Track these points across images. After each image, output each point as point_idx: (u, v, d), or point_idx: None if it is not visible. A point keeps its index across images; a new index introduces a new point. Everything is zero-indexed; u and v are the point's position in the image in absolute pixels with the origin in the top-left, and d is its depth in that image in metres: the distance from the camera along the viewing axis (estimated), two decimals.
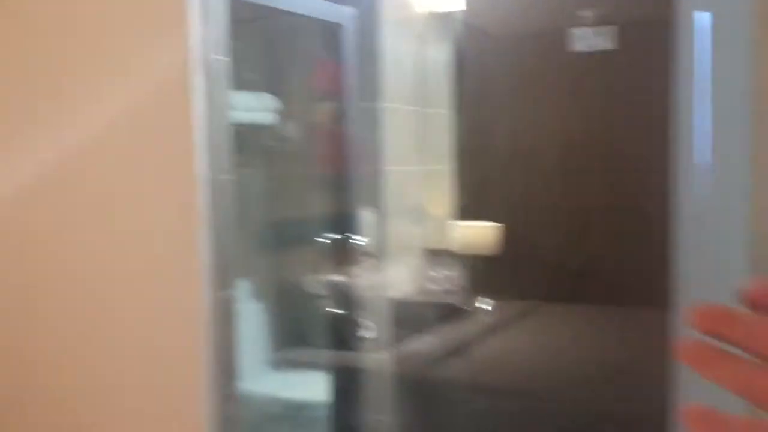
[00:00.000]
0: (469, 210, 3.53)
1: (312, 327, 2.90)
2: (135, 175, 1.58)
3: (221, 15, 1.60)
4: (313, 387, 2.74)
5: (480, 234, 3.45)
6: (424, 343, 3.07)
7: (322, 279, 2.91)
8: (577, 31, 1.83)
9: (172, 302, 1.58)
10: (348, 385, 2.72)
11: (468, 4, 2.25)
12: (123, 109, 1.54)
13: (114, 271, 1.60)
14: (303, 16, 2.09)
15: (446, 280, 3.35)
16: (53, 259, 1.66)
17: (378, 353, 2.95)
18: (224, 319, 1.63)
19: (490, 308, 2.85)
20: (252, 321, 2.74)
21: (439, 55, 3.32)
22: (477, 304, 2.79)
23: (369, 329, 2.90)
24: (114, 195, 1.60)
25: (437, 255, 3.48)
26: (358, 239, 2.65)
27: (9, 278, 1.73)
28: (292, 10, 1.98)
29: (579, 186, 2.80)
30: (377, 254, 3.01)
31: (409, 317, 3.10)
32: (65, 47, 1.60)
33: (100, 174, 1.61)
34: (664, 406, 1.52)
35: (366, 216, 2.87)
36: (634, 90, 1.98)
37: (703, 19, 1.34)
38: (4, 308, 1.72)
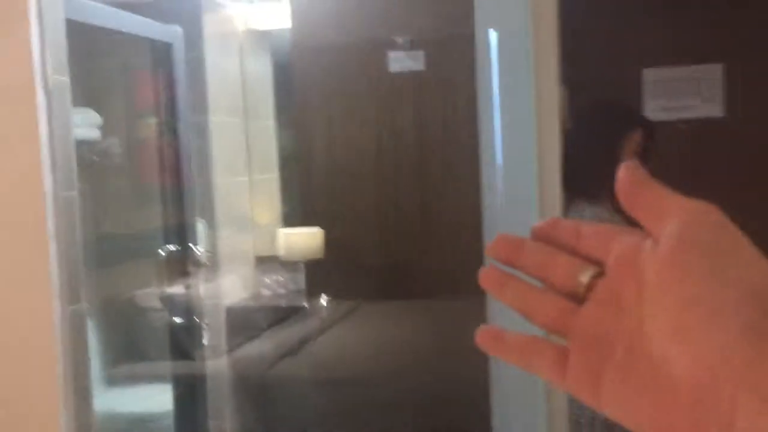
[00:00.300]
0: (294, 217, 3.69)
1: (148, 340, 2.92)
2: None
3: (60, 35, 1.65)
4: (153, 399, 2.76)
5: (305, 239, 3.63)
6: (260, 345, 3.19)
7: (157, 291, 2.94)
8: (393, 54, 2.08)
9: (24, 318, 1.60)
10: (189, 393, 2.78)
11: (294, 22, 2.41)
12: None
13: None
14: (132, 35, 2.15)
15: (277, 284, 3.50)
16: None
17: (216, 360, 3.03)
18: (76, 332, 1.67)
19: (325, 303, 3.02)
20: None
21: (263, 70, 3.46)
22: (320, 301, 2.94)
23: (206, 337, 2.98)
24: None
25: (267, 261, 3.61)
26: (192, 250, 2.72)
27: None
28: (122, 29, 2.03)
29: (393, 192, 3.05)
30: (210, 263, 3.09)
31: (244, 322, 3.20)
32: None
33: None
34: (480, 381, 1.78)
35: (198, 226, 2.94)
36: (440, 104, 2.27)
37: (493, 37, 1.62)
38: None
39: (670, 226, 0.33)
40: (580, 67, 2.72)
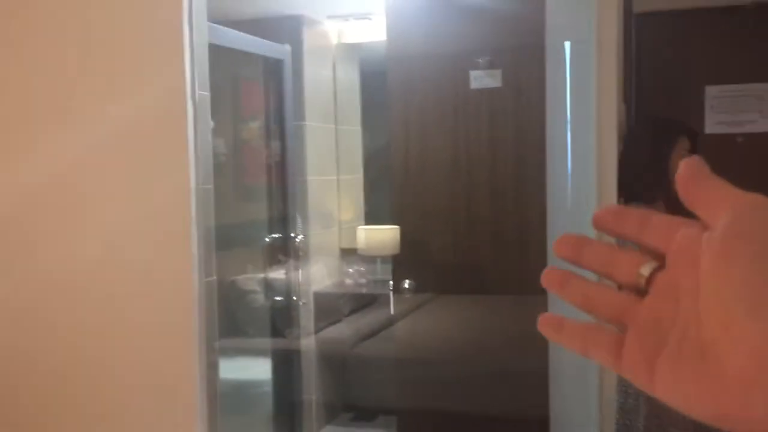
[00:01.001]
0: (375, 215, 4.02)
1: (252, 318, 3.31)
2: (137, 181, 1.96)
3: (204, 57, 2.03)
4: (250, 370, 3.14)
5: (383, 236, 3.95)
6: (343, 328, 3.54)
7: (256, 276, 3.32)
8: (474, 73, 2.38)
9: (170, 286, 1.97)
10: (284, 366, 3.14)
11: (389, 36, 2.74)
12: (132, 134, 1.93)
13: (124, 262, 1.97)
14: (251, 53, 2.52)
15: (358, 274, 3.84)
16: (62, 254, 2.01)
17: (306, 338, 3.40)
18: (209, 299, 2.04)
19: (407, 286, 3.29)
20: None
21: (352, 80, 3.82)
22: (404, 284, 3.23)
23: (297, 318, 3.35)
24: (117, 198, 1.98)
25: (349, 254, 3.96)
26: (292, 239, 3.09)
27: (16, 275, 2.06)
28: (247, 49, 2.40)
29: (467, 195, 3.33)
30: (302, 253, 3.46)
31: (329, 306, 3.56)
32: (77, 72, 1.97)
33: (104, 181, 1.98)
34: (540, 368, 2.03)
35: (294, 220, 3.32)
36: (513, 116, 2.55)
37: (567, 47, 1.87)
38: (14, 297, 2.05)
39: (724, 216, 0.34)
40: (648, 84, 2.97)
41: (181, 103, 1.93)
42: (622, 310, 0.39)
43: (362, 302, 3.70)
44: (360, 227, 3.92)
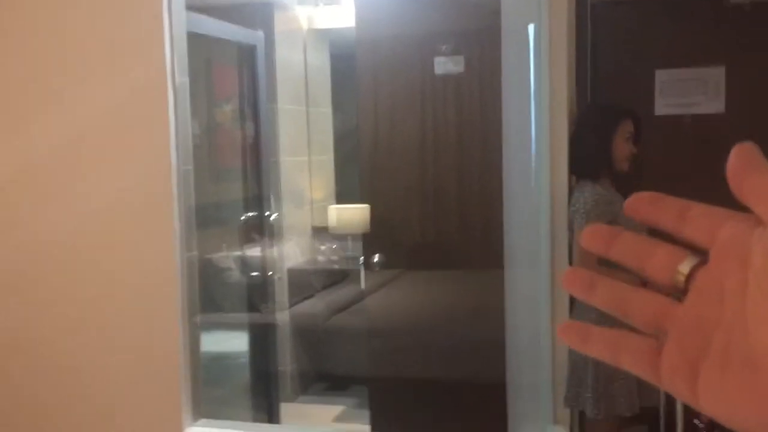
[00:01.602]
0: (345, 194, 4.15)
1: (227, 293, 3.44)
2: (122, 162, 2.08)
3: (183, 45, 2.14)
4: (227, 342, 3.28)
5: (353, 214, 4.09)
6: (315, 302, 3.69)
7: (234, 253, 3.45)
8: (437, 59, 2.53)
9: (154, 260, 2.10)
10: (259, 339, 3.29)
11: (357, 22, 2.86)
12: (117, 119, 2.04)
13: (109, 238, 2.10)
14: (225, 39, 2.64)
15: (330, 251, 3.99)
16: (52, 230, 2.13)
17: (280, 313, 3.54)
18: (191, 273, 2.18)
19: (377, 259, 3.43)
20: None
21: (322, 64, 3.94)
22: (373, 258, 3.37)
23: (272, 293, 3.49)
24: (102, 177, 2.10)
25: (321, 232, 4.10)
26: (267, 217, 3.22)
27: (4, 250, 2.17)
28: (222, 36, 2.51)
29: (434, 175, 3.47)
30: (276, 231, 3.60)
31: (302, 282, 3.70)
32: (64, 59, 2.07)
33: (90, 160, 2.10)
34: (497, 337, 2.18)
35: (268, 199, 3.45)
36: (476, 102, 2.71)
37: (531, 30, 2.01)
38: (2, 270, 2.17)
39: None
40: (604, 68, 3.14)
41: (162, 89, 2.05)
42: (660, 314, 0.35)
43: (334, 278, 3.86)
44: (331, 206, 4.05)
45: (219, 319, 3.41)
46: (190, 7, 2.78)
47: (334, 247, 3.97)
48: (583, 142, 2.04)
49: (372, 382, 3.21)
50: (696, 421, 1.85)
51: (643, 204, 0.37)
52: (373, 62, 2.75)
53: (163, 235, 2.09)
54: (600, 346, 0.38)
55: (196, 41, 2.94)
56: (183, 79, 2.15)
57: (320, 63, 3.93)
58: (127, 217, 2.10)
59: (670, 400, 1.94)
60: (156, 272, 2.11)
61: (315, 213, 4.07)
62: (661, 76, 3.12)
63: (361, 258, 3.39)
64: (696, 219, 0.35)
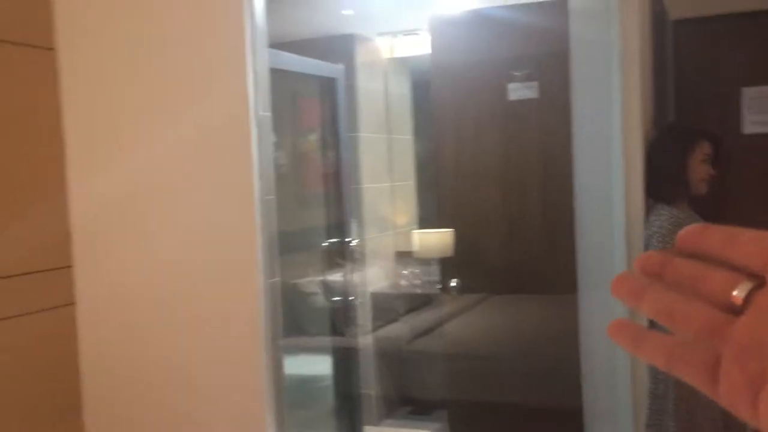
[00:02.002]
0: (428, 219, 4.19)
1: (311, 318, 3.54)
2: (208, 193, 2.21)
3: (266, 81, 2.26)
4: (312, 366, 3.37)
5: (437, 239, 4.13)
6: (399, 327, 3.73)
7: (316, 279, 3.55)
8: (511, 85, 2.55)
9: (238, 287, 2.21)
10: (343, 362, 3.36)
11: (433, 49, 2.92)
12: (204, 152, 2.18)
13: (196, 265, 2.22)
14: (307, 74, 2.76)
15: (413, 276, 4.03)
16: (144, 258, 2.27)
17: (364, 337, 3.61)
18: (274, 298, 2.27)
19: (454, 284, 3.45)
20: None
21: (403, 92, 4.02)
22: (451, 282, 3.40)
23: (355, 317, 3.56)
24: (191, 208, 2.23)
25: (404, 257, 4.15)
26: (348, 243, 3.31)
27: (105, 273, 2.33)
28: (303, 71, 2.63)
29: (508, 199, 3.46)
30: (359, 257, 3.68)
31: (386, 306, 3.76)
32: (152, 97, 2.23)
33: (179, 193, 2.24)
34: (572, 362, 2.15)
35: (350, 225, 3.54)
36: (551, 127, 2.71)
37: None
38: (109, 282, 2.33)
39: None
40: (685, 86, 3.08)
41: (245, 123, 2.17)
42: (714, 327, 0.35)
43: (417, 302, 3.89)
44: (415, 231, 4.11)
45: (304, 343, 3.51)
46: (274, 45, 2.92)
47: (416, 271, 4.01)
48: (658, 164, 2.02)
49: (451, 406, 3.21)
50: None
51: (692, 235, 0.38)
52: (449, 89, 2.81)
53: (246, 263, 2.20)
54: (654, 351, 0.37)
55: (281, 76, 3.09)
56: (265, 113, 2.26)
57: (401, 91, 4.01)
58: (212, 246, 2.22)
59: None
60: (240, 298, 2.22)
61: (398, 238, 4.13)
62: (749, 93, 3.03)
63: (439, 282, 3.42)
64: (747, 245, 0.35)
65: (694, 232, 0.38)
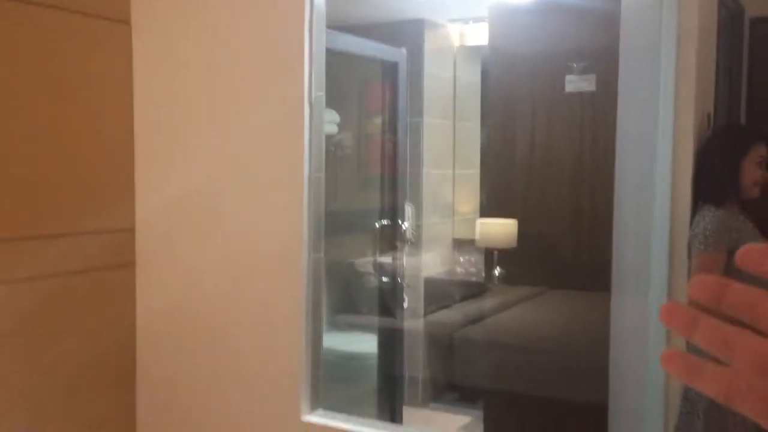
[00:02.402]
0: (490, 208, 4.19)
1: (362, 297, 3.61)
2: (263, 170, 2.29)
3: (322, 61, 2.32)
4: (362, 344, 3.44)
5: (499, 229, 4.11)
6: (450, 313, 3.76)
7: (371, 259, 3.61)
8: (569, 77, 2.52)
9: (284, 260, 2.29)
10: (390, 342, 3.41)
11: (490, 38, 2.91)
12: (257, 128, 2.26)
13: (242, 241, 2.32)
14: (369, 56, 2.80)
15: (470, 264, 4.04)
16: (213, 243, 2.39)
17: (414, 320, 3.65)
18: (316, 273, 2.34)
19: (497, 273, 3.43)
20: None
21: (472, 79, 4.02)
22: (494, 271, 3.39)
23: (406, 299, 3.60)
24: (248, 187, 2.32)
25: (463, 244, 4.16)
26: (400, 226, 3.35)
27: (176, 258, 2.46)
28: (361, 53, 2.68)
29: (577, 192, 3.43)
30: (415, 240, 3.71)
31: (439, 292, 3.79)
32: (216, 85, 2.33)
33: (239, 177, 2.33)
34: (602, 360, 2.12)
35: (408, 209, 3.58)
36: (608, 120, 2.66)
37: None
38: (172, 270, 2.45)
39: None
40: (760, 86, 2.96)
41: (299, 103, 2.24)
42: None
43: (471, 290, 3.90)
44: (478, 220, 4.11)
45: (356, 321, 3.59)
46: (343, 27, 2.98)
47: (473, 260, 4.02)
48: (709, 164, 1.96)
49: (488, 395, 3.23)
50: None
51: (754, 254, 0.36)
52: (509, 78, 2.80)
53: (293, 238, 2.28)
54: (712, 383, 0.36)
55: (347, 60, 3.15)
56: (319, 93, 2.32)
57: (470, 78, 4.00)
58: (262, 220, 2.31)
59: None
60: (285, 273, 2.30)
61: (458, 225, 4.15)
62: None
63: (496, 272, 3.42)
64: None
65: (757, 251, 0.36)
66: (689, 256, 1.97)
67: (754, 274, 0.36)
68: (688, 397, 1.98)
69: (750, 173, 2.02)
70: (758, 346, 0.35)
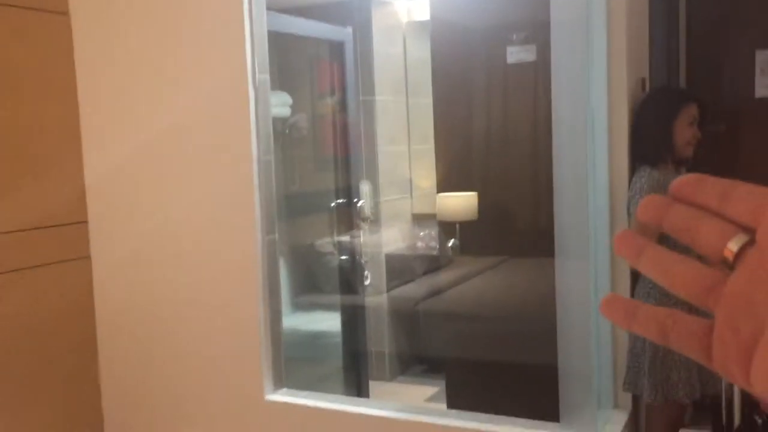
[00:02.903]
0: (445, 182, 4.23)
1: (324, 277, 3.64)
2: (210, 154, 2.31)
3: (264, 44, 2.33)
4: (326, 322, 3.48)
5: (459, 202, 4.16)
6: (413, 287, 3.81)
7: (331, 239, 3.65)
8: (510, 48, 2.56)
9: (237, 242, 2.31)
10: (353, 319, 3.46)
11: (432, 18, 2.94)
12: (203, 114, 2.27)
13: (199, 221, 2.34)
14: (314, 37, 2.81)
15: (430, 238, 4.10)
16: (155, 215, 2.40)
17: (377, 296, 3.70)
18: (270, 254, 2.37)
19: (450, 244, 3.49)
20: None
21: (422, 55, 4.04)
22: (448, 244, 3.44)
23: (368, 277, 3.65)
24: (194, 167, 2.33)
25: (423, 219, 4.21)
26: (355, 205, 3.39)
27: (121, 232, 2.47)
28: (305, 34, 2.69)
29: (526, 161, 3.46)
30: (374, 218, 3.75)
31: (400, 268, 3.84)
32: (158, 60, 2.33)
33: (184, 153, 2.34)
34: (550, 323, 2.17)
35: (364, 187, 3.61)
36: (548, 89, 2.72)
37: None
38: (120, 247, 2.46)
39: None
40: (696, 49, 3.04)
41: (243, 85, 2.25)
42: (707, 288, 0.35)
43: (432, 264, 3.96)
44: (438, 194, 4.15)
45: (318, 300, 3.63)
46: (289, 9, 2.98)
47: (433, 233, 4.07)
48: (643, 126, 2.02)
49: (451, 364, 3.29)
50: (756, 417, 1.80)
51: (687, 186, 0.37)
52: (449, 53, 2.83)
53: (245, 220, 2.30)
54: (647, 323, 0.37)
55: (294, 41, 3.16)
56: (263, 76, 2.34)
57: (420, 54, 4.03)
58: (214, 202, 2.32)
59: (731, 389, 1.89)
60: (239, 254, 2.32)
61: (416, 201, 4.19)
62: (763, 56, 2.97)
63: (450, 243, 3.47)
64: (740, 199, 0.35)
65: (690, 181, 0.37)
66: (629, 216, 2.03)
67: (687, 203, 0.37)
68: (634, 352, 2.06)
69: (682, 133, 2.08)
70: (693, 272, 0.36)
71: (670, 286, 0.36)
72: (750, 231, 0.34)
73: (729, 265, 0.34)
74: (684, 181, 0.37)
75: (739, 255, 0.34)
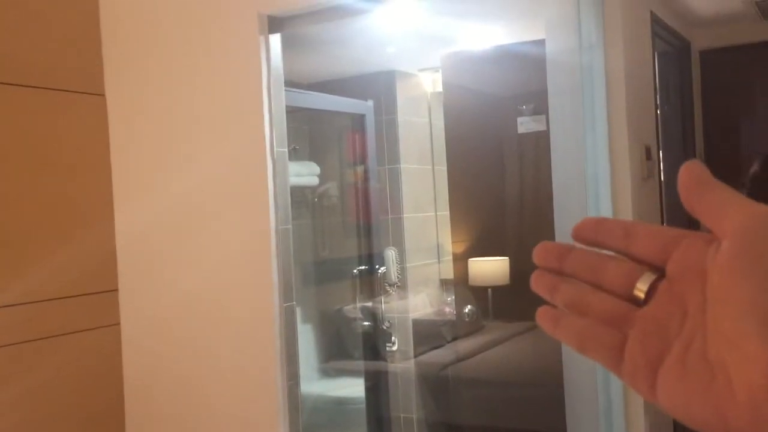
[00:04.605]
0: (484, 247, 4.26)
1: (350, 343, 3.68)
2: (230, 224, 2.41)
3: (282, 119, 2.45)
4: (353, 388, 3.50)
5: (490, 267, 4.18)
6: (441, 353, 3.81)
7: (358, 305, 3.70)
8: (520, 119, 2.64)
9: (256, 310, 2.39)
10: (378, 386, 3.47)
11: (445, 91, 3.04)
12: (224, 188, 2.39)
13: (218, 288, 2.42)
14: (337, 112, 2.94)
15: (458, 304, 4.10)
16: (178, 285, 2.50)
17: (404, 362, 3.71)
18: (288, 321, 2.43)
19: (467, 311, 3.47)
20: (303, 340, 3.53)
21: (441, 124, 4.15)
22: (465, 310, 3.44)
23: (395, 342, 3.67)
24: (215, 237, 2.44)
25: (452, 284, 4.23)
26: (375, 272, 3.44)
27: (148, 299, 2.57)
28: (326, 108, 2.82)
29: (519, 228, 3.48)
30: (401, 283, 3.80)
31: (428, 333, 3.85)
32: (185, 136, 2.47)
33: (206, 224, 2.45)
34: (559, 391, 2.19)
35: (390, 253, 3.67)
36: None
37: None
38: (143, 306, 2.56)
39: (731, 230, 0.33)
40: (713, 114, 3.06)
41: (262, 158, 2.36)
42: (620, 316, 0.37)
43: (461, 330, 3.96)
44: (470, 259, 4.18)
45: (346, 366, 3.65)
46: (314, 85, 3.13)
47: (462, 299, 4.08)
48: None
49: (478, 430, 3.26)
50: None
51: (587, 228, 0.39)
52: (461, 125, 2.91)
53: (263, 288, 2.38)
54: (568, 332, 0.39)
55: (322, 114, 3.30)
56: (281, 149, 2.45)
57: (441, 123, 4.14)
58: (233, 272, 2.41)
59: None
60: (258, 321, 2.39)
61: (444, 266, 4.22)
62: None
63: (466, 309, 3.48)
64: (644, 239, 0.37)
65: (590, 224, 0.39)
66: None
67: (590, 246, 0.39)
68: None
69: None
70: (605, 304, 0.38)
71: (583, 314, 0.39)
72: (655, 268, 0.37)
73: (639, 302, 0.37)
74: (585, 224, 0.39)
75: (649, 292, 0.37)
